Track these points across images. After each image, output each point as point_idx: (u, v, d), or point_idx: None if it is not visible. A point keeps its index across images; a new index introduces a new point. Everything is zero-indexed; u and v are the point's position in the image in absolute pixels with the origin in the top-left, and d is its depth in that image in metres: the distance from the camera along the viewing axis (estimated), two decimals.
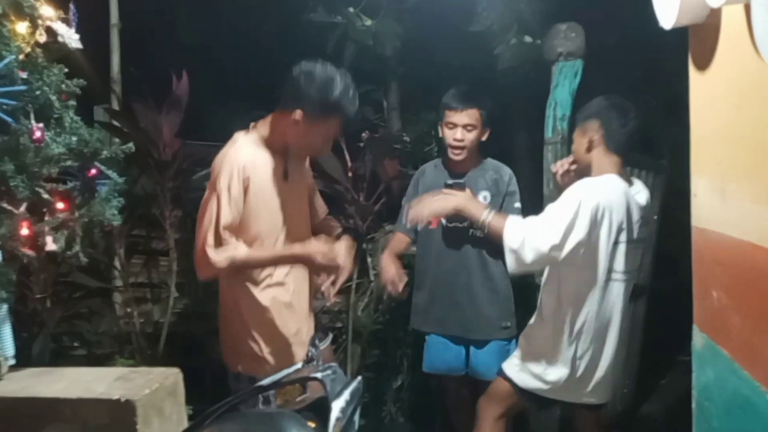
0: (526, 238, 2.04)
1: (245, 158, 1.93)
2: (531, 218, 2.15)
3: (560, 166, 2.35)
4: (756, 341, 1.25)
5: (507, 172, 2.66)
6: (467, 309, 2.60)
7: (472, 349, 2.64)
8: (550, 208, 2.13)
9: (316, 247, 1.92)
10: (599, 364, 2.19)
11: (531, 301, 2.57)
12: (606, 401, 2.31)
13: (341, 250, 1.92)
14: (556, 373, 2.18)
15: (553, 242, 2.03)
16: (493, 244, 2.42)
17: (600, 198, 2.08)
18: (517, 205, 2.60)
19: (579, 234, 2.04)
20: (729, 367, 1.36)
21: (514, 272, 2.17)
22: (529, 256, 2.04)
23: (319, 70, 1.88)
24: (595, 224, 2.07)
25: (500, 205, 2.57)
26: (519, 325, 2.57)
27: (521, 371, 2.25)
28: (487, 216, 2.15)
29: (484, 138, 2.58)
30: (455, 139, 2.52)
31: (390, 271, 2.61)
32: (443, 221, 2.59)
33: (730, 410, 1.39)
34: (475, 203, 2.26)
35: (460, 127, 2.51)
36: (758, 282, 1.23)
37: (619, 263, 2.15)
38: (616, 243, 2.13)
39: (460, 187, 2.32)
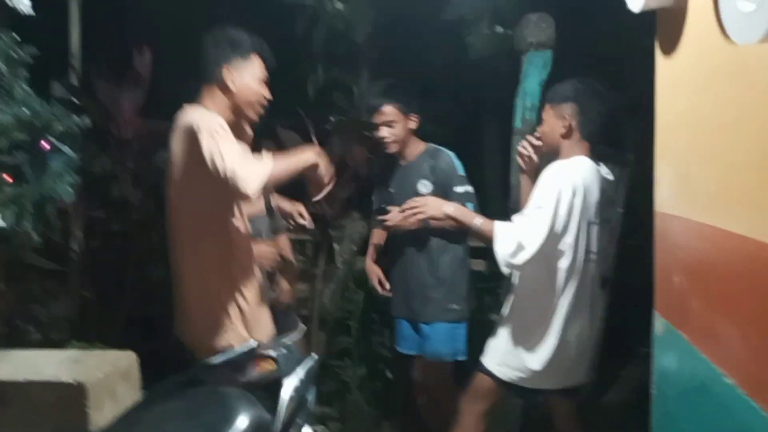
0: (518, 243, 2.06)
1: (217, 116, 1.92)
2: (517, 220, 2.14)
3: (527, 147, 2.34)
4: (715, 324, 1.26)
5: (445, 157, 2.68)
6: (416, 295, 2.70)
7: (422, 329, 2.70)
8: (532, 204, 2.12)
9: (320, 156, 2.05)
10: (576, 346, 2.20)
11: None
12: (582, 383, 2.33)
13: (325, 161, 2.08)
14: (538, 359, 2.18)
15: (542, 241, 2.05)
16: (437, 233, 2.57)
17: (577, 180, 2.11)
18: (457, 189, 2.59)
19: (562, 222, 2.08)
20: (688, 351, 1.36)
21: (507, 272, 2.17)
22: (522, 259, 2.07)
23: (220, 31, 2.02)
24: (574, 206, 2.09)
25: (442, 192, 2.59)
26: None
27: (501, 364, 2.24)
28: (477, 222, 2.19)
29: (413, 126, 2.68)
30: (381, 137, 2.67)
31: (372, 277, 2.86)
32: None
33: (688, 394, 1.40)
34: (466, 211, 2.29)
35: (383, 125, 2.65)
36: (719, 265, 1.24)
37: (593, 244, 2.18)
38: (591, 223, 2.16)
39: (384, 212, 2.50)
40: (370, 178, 3.26)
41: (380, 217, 2.62)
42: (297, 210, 2.53)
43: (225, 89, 1.98)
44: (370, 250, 2.93)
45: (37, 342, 2.97)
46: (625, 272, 3.08)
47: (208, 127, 1.82)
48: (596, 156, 2.46)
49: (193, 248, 1.95)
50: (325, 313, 3.23)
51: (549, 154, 2.28)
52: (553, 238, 2.09)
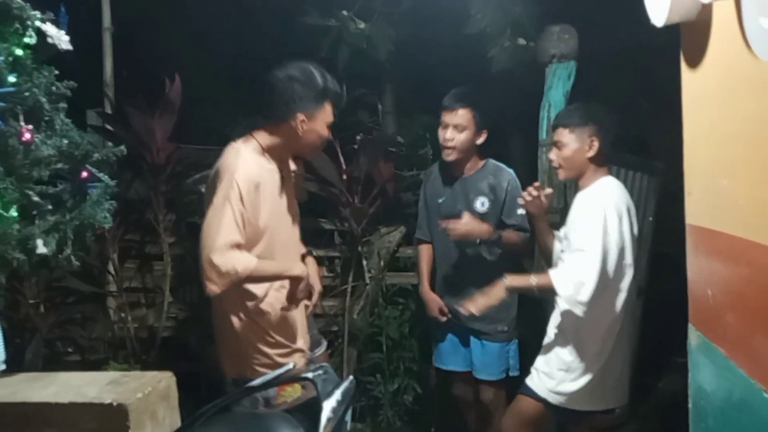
0: (577, 282, 2.06)
1: (254, 167, 1.94)
2: (570, 258, 2.14)
3: (531, 194, 2.32)
4: (751, 338, 1.24)
5: (507, 177, 2.62)
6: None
7: (473, 347, 2.69)
8: (579, 236, 2.12)
9: (309, 269, 2.03)
10: (622, 363, 2.20)
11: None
12: (624, 402, 2.31)
13: (314, 272, 2.07)
14: (588, 379, 2.18)
15: (598, 272, 2.05)
16: (494, 251, 2.56)
17: (619, 200, 2.12)
18: (520, 211, 2.54)
19: (615, 247, 2.08)
20: (725, 365, 1.35)
21: (585, 313, 2.11)
22: (587, 295, 2.06)
23: (297, 69, 1.98)
24: (623, 229, 2.10)
25: (500, 211, 2.57)
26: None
27: (547, 386, 2.23)
28: (534, 282, 2.19)
29: (479, 141, 2.59)
30: (445, 138, 2.55)
31: (432, 306, 2.74)
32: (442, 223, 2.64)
33: (726, 409, 1.38)
34: (521, 279, 2.27)
35: (451, 127, 2.54)
36: (753, 279, 1.22)
37: (630, 258, 2.18)
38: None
39: (455, 217, 2.48)
40: (398, 191, 3.29)
41: (445, 225, 2.50)
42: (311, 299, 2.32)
43: (290, 130, 1.97)
44: (424, 276, 2.80)
45: (76, 364, 3.05)
46: (660, 282, 3.05)
47: (230, 184, 1.85)
48: (625, 168, 2.46)
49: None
50: (355, 330, 3.25)
51: (570, 179, 2.29)
52: (613, 265, 2.09)
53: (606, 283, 2.09)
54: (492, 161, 2.68)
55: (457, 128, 2.53)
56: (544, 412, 2.25)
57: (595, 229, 2.07)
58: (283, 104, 1.95)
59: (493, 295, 2.21)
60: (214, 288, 1.85)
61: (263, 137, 2.00)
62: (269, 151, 2.00)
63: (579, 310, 2.09)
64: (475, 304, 2.22)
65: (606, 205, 2.09)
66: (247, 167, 1.91)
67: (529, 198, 2.32)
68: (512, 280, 2.23)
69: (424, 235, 2.83)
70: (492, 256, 2.60)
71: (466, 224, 2.43)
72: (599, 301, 2.10)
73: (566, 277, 2.09)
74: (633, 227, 2.15)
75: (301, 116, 1.94)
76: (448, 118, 2.54)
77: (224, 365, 2.11)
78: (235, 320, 2.05)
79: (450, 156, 2.57)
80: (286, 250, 2.07)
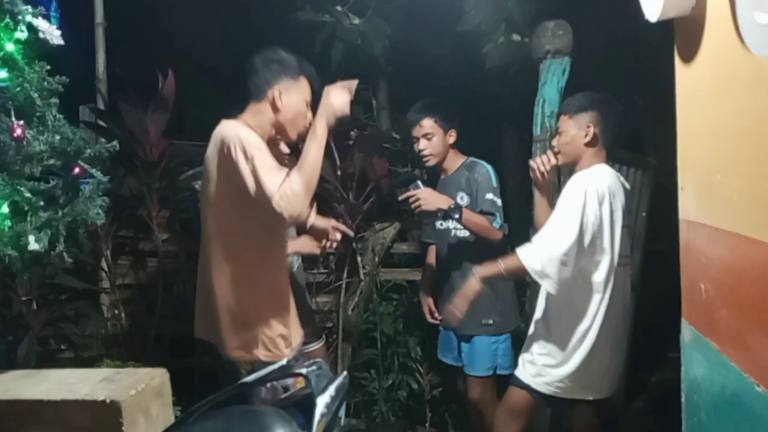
0: (544, 255, 2.06)
1: (254, 134, 1.93)
2: (541, 232, 2.14)
3: (544, 162, 2.32)
4: (744, 333, 1.25)
5: (482, 169, 2.71)
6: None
7: (462, 342, 2.74)
8: (556, 211, 2.14)
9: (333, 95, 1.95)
10: (611, 353, 2.20)
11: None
12: (615, 391, 2.32)
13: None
14: (574, 368, 2.18)
15: (569, 244, 2.05)
16: (473, 245, 2.61)
17: (601, 186, 2.12)
18: (487, 196, 2.63)
19: (591, 227, 2.09)
20: (717, 360, 1.35)
21: (556, 289, 2.11)
22: (552, 269, 2.06)
23: (271, 52, 2.05)
24: (603, 211, 2.10)
25: (476, 202, 2.64)
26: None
27: (536, 375, 2.24)
28: (502, 266, 2.18)
29: (451, 140, 2.73)
30: (419, 150, 2.73)
31: (424, 306, 2.92)
32: (438, 224, 2.78)
33: (719, 403, 1.38)
34: (490, 267, 2.24)
35: (421, 138, 2.71)
36: (746, 273, 1.23)
37: (623, 248, 2.19)
38: (623, 228, 2.17)
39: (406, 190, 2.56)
40: (393, 187, 3.29)
41: (403, 196, 2.58)
42: (331, 225, 2.42)
43: (271, 107, 2.01)
44: (426, 277, 2.96)
45: (69, 361, 3.04)
46: (652, 277, 3.06)
47: (245, 144, 1.83)
48: (618, 164, 2.46)
49: (230, 265, 1.97)
50: (349, 326, 3.25)
51: (568, 163, 2.29)
52: (586, 244, 2.09)
53: (578, 262, 2.09)
54: (471, 158, 2.77)
55: (426, 137, 2.70)
56: (533, 401, 2.26)
57: (573, 206, 2.07)
58: (261, 81, 2.00)
59: (468, 290, 2.22)
60: (302, 218, 1.88)
61: (248, 116, 2.02)
62: (255, 129, 2.00)
63: (549, 286, 2.09)
64: (456, 306, 2.24)
65: (588, 185, 2.10)
66: (250, 132, 1.93)
67: (534, 165, 2.34)
68: (482, 270, 2.24)
69: (427, 237, 2.98)
70: (468, 237, 2.65)
71: (423, 191, 2.53)
72: (573, 282, 2.11)
73: (534, 251, 2.09)
74: (614, 213, 2.14)
75: (277, 89, 1.99)
76: (415, 131, 2.72)
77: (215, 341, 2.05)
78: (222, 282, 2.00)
79: (429, 162, 2.74)
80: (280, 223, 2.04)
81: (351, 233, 2.53)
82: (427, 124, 2.69)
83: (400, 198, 2.60)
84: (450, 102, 2.79)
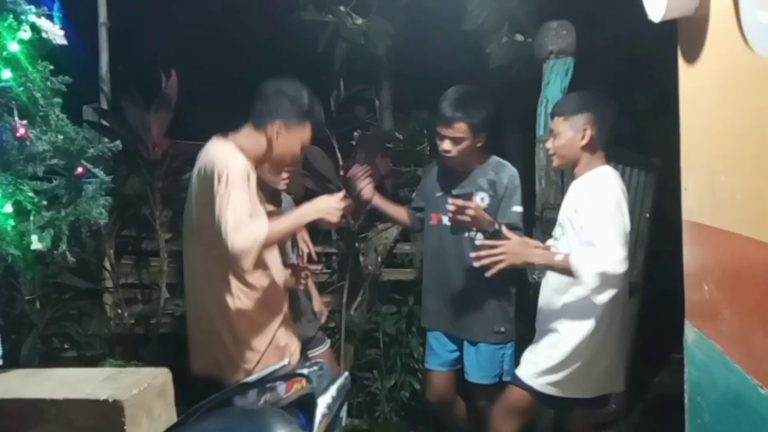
0: (600, 269, 2.01)
1: (243, 159, 1.93)
2: (589, 241, 2.07)
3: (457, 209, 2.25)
4: (747, 334, 1.24)
5: (508, 172, 2.55)
6: (463, 310, 2.58)
7: (465, 347, 2.62)
8: (596, 221, 2.07)
9: (324, 203, 2.03)
10: (612, 352, 2.19)
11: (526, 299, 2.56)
12: (617, 391, 2.30)
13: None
14: (573, 367, 2.16)
15: (623, 255, 2.03)
16: (472, 247, 2.44)
17: (619, 188, 2.13)
18: (516, 208, 2.50)
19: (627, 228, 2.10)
20: (720, 361, 1.35)
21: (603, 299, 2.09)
22: (622, 268, 2.03)
23: (288, 85, 2.03)
24: (625, 215, 2.11)
25: (498, 208, 2.51)
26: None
27: (537, 375, 2.22)
28: (559, 259, 2.11)
29: (479, 144, 2.53)
30: (443, 150, 2.51)
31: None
32: (444, 219, 2.55)
33: (722, 404, 1.38)
34: (547, 254, 2.19)
35: (448, 139, 2.48)
36: (749, 274, 1.22)
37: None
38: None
39: (468, 197, 2.29)
40: (396, 187, 3.28)
41: (453, 204, 2.30)
42: (302, 238, 2.45)
43: (266, 138, 2.00)
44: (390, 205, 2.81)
45: (72, 360, 3.05)
46: (656, 277, 3.05)
47: (230, 176, 1.84)
48: (622, 164, 2.45)
49: (220, 293, 2.00)
50: (352, 326, 3.24)
51: (566, 165, 2.28)
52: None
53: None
54: (495, 158, 2.61)
55: (454, 140, 2.48)
56: (532, 401, 2.24)
57: (614, 221, 2.05)
58: (266, 110, 1.99)
59: (510, 254, 2.13)
60: (246, 266, 1.87)
61: (240, 138, 2.01)
62: (245, 152, 1.99)
63: (602, 300, 2.06)
64: (478, 211, 2.22)
65: (618, 194, 2.10)
66: (239, 158, 1.92)
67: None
68: (540, 257, 2.15)
69: (413, 212, 2.78)
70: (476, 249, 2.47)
71: (477, 208, 2.29)
72: (573, 282, 2.10)
73: (589, 264, 2.03)
74: (625, 217, 2.13)
75: (279, 124, 1.98)
76: (444, 131, 2.48)
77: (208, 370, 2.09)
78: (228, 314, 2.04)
79: (450, 162, 2.55)
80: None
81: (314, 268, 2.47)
82: (460, 127, 2.44)
83: (451, 203, 2.29)
84: (485, 100, 2.52)
